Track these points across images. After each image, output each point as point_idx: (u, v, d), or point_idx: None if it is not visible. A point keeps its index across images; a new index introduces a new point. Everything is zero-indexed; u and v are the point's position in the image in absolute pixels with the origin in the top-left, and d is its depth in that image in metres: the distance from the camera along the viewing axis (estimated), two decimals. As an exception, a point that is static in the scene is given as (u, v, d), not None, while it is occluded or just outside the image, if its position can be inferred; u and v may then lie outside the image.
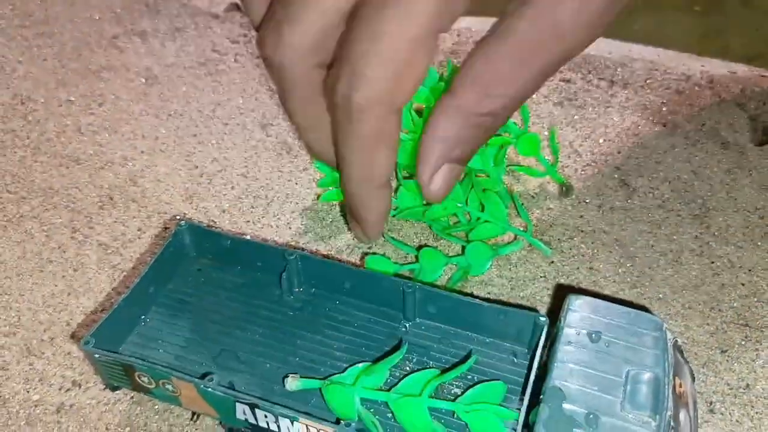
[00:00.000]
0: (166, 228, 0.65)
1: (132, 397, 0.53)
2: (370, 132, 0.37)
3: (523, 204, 0.65)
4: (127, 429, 0.52)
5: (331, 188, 0.65)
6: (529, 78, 0.36)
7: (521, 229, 0.62)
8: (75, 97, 0.80)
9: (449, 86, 0.38)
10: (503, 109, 0.38)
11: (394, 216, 0.63)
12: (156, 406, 0.53)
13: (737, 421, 0.50)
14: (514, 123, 0.65)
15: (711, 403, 0.51)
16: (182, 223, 0.55)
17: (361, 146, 0.38)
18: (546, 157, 0.66)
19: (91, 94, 0.80)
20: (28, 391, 0.54)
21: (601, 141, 0.72)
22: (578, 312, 0.44)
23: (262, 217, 0.66)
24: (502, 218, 0.61)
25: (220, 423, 0.50)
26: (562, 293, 0.57)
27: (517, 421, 0.43)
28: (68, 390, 0.54)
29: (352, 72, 0.36)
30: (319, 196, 0.67)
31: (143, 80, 0.82)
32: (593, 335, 0.43)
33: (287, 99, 0.43)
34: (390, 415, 0.46)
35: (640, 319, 0.44)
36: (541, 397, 0.41)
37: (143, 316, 0.53)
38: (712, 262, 0.60)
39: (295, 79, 0.41)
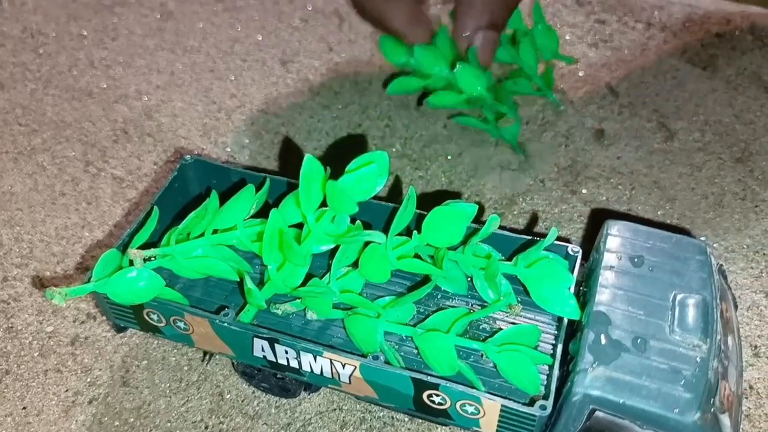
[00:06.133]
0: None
1: (149, 331, 0.51)
2: None
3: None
4: (145, 362, 0.49)
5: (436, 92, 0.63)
6: None
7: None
8: (87, 31, 0.77)
9: None
10: None
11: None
12: (174, 340, 0.51)
13: (784, 366, 0.48)
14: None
15: (756, 347, 0.49)
16: (187, 157, 0.51)
17: None
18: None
19: (104, 29, 0.77)
20: (41, 323, 0.52)
21: (638, 83, 0.69)
22: (618, 237, 0.41)
23: (286, 151, 0.63)
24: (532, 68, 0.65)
25: (234, 364, 0.48)
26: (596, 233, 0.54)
27: (551, 366, 0.40)
28: (83, 322, 0.52)
29: None
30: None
31: (158, 15, 0.79)
32: (635, 259, 0.40)
33: None
34: (416, 352, 0.44)
35: (683, 242, 0.41)
36: (583, 323, 0.38)
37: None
38: (756, 206, 0.57)
39: None
